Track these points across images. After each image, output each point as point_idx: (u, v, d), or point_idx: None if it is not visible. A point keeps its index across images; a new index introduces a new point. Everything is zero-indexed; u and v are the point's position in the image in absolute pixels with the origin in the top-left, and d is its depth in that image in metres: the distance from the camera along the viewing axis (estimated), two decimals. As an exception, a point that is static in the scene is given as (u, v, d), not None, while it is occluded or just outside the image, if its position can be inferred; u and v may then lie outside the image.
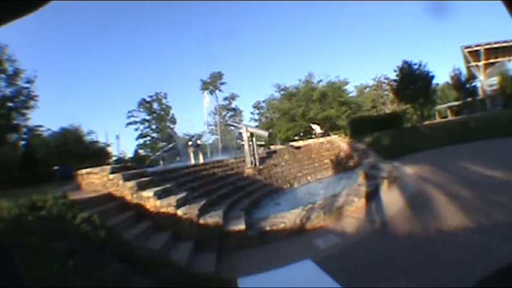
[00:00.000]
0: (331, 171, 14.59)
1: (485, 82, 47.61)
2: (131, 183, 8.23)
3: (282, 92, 42.43)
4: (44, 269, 3.33)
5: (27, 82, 21.91)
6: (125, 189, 8.31)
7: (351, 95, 44.66)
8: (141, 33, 65.39)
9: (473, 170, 11.05)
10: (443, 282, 4.09)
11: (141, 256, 5.26)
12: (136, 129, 52.47)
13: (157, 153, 25.13)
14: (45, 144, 31.19)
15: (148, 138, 52.83)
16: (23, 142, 25.99)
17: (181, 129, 44.85)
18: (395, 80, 29.76)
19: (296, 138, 35.90)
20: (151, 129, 53.03)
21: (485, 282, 0.71)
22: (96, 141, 35.57)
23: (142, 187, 8.25)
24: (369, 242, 6.04)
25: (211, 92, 47.32)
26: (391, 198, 8.88)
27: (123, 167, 10.17)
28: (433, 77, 28.82)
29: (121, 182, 8.40)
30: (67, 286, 3.25)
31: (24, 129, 23.02)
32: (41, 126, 25.48)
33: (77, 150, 28.68)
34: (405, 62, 29.12)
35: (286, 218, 7.52)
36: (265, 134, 18.29)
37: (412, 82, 28.03)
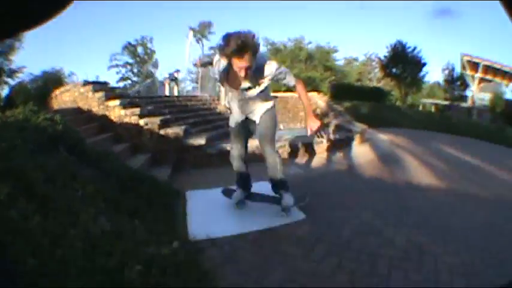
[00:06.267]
0: (304, 124, 14.47)
1: (477, 95, 48.77)
2: (100, 94, 8.12)
3: (268, 47, 41.73)
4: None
5: None
6: (93, 100, 8.26)
7: (338, 63, 44.32)
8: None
9: (447, 151, 11.31)
10: (398, 213, 4.33)
11: (88, 150, 5.31)
12: (117, 73, 51.12)
13: (134, 89, 24.63)
14: (24, 88, 30.48)
15: (129, 81, 50.81)
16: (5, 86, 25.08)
17: (163, 74, 43.56)
18: (385, 57, 29.77)
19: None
20: (133, 73, 51.47)
21: None
22: (76, 83, 34.36)
23: (109, 97, 8.22)
24: (333, 176, 6.17)
25: (198, 40, 46.10)
26: (362, 150, 9.09)
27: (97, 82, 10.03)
28: (424, 64, 29.24)
29: (90, 93, 8.37)
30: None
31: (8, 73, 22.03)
32: (24, 67, 24.29)
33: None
34: (399, 42, 29.04)
35: (250, 143, 7.43)
36: None
37: (402, 62, 28.21)
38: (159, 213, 3.93)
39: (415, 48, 29.02)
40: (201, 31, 48.29)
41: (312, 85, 35.07)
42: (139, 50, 51.79)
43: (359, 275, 2.74)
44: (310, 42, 40.08)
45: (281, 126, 13.61)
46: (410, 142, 12.06)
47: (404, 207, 4.52)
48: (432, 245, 3.39)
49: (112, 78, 49.27)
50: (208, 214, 3.93)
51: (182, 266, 2.62)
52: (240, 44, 3.18)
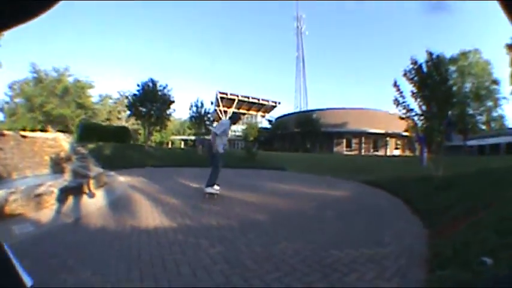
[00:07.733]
0: (49, 169, 13.50)
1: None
2: None
3: (34, 75, 37.83)
4: None
5: None
6: None
7: (93, 100, 43.35)
8: None
9: (184, 183, 12.89)
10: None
11: None
12: None
13: None
14: None
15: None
16: None
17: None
18: (134, 95, 30.36)
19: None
20: None
21: None
22: None
23: None
24: (60, 231, 6.04)
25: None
26: (95, 198, 9.24)
27: None
28: (172, 101, 30.60)
29: None
30: None
31: None
32: None
33: None
34: (151, 80, 30.27)
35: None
36: None
37: (151, 100, 29.34)
38: None
39: (165, 87, 30.49)
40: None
41: (63, 124, 33.46)
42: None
43: None
44: (71, 75, 38.31)
45: (28, 171, 12.58)
46: (146, 182, 12.87)
47: (128, 256, 4.63)
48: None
49: None
50: None
51: None
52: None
